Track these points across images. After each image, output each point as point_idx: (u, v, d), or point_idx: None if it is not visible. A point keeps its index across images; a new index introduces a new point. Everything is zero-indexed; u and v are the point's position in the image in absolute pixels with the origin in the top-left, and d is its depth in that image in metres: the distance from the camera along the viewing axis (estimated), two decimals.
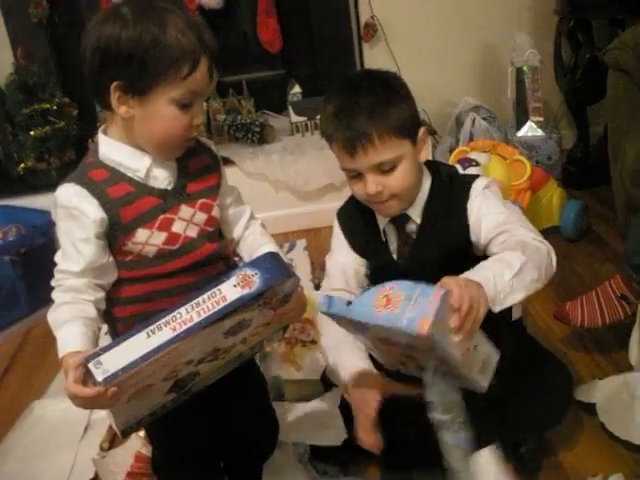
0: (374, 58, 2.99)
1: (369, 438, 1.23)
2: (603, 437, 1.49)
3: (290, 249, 2.48)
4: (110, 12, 1.07)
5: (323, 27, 3.02)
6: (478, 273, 1.16)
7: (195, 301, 0.96)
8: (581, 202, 2.42)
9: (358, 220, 1.42)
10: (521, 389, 1.39)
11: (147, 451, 1.56)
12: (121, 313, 1.16)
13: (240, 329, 1.05)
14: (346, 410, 1.43)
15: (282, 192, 2.76)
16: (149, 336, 0.94)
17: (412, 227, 1.37)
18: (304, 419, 1.47)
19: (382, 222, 1.38)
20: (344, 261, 1.43)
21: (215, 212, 1.20)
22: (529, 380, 1.40)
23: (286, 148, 2.76)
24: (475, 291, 1.08)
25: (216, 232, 1.22)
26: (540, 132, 2.80)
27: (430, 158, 1.42)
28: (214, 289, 0.97)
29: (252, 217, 1.28)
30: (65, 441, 1.71)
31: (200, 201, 1.18)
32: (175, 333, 0.94)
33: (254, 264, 1.02)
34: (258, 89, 2.98)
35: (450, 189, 1.36)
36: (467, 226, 1.34)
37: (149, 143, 1.11)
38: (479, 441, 1.41)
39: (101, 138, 1.13)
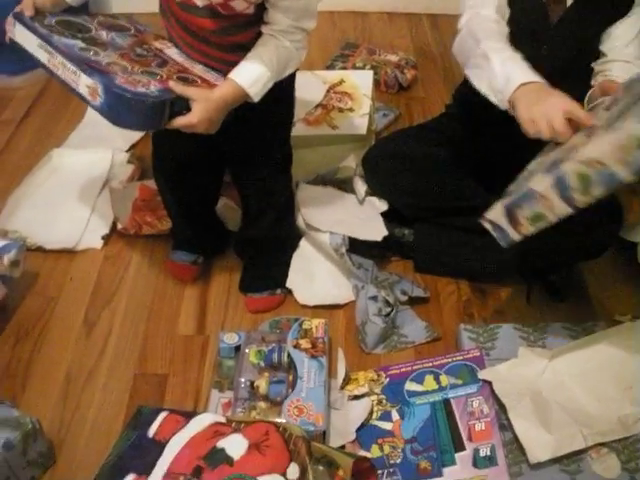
0: None
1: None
2: (637, 280, 1.44)
3: None
4: None
5: None
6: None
7: (67, 62, 1.06)
8: None
9: None
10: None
11: (151, 183, 1.46)
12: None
13: None
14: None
15: None
16: (39, 48, 1.10)
17: None
18: (345, 213, 1.42)
19: None
20: None
21: (236, 4, 1.08)
22: None
23: None
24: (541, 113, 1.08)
25: (233, 20, 1.11)
26: None
27: None
28: (77, 69, 1.04)
29: (287, 32, 1.12)
30: (82, 194, 1.66)
31: None
32: (46, 63, 1.09)
33: (114, 90, 1.01)
34: None
35: None
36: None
37: None
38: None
39: None
